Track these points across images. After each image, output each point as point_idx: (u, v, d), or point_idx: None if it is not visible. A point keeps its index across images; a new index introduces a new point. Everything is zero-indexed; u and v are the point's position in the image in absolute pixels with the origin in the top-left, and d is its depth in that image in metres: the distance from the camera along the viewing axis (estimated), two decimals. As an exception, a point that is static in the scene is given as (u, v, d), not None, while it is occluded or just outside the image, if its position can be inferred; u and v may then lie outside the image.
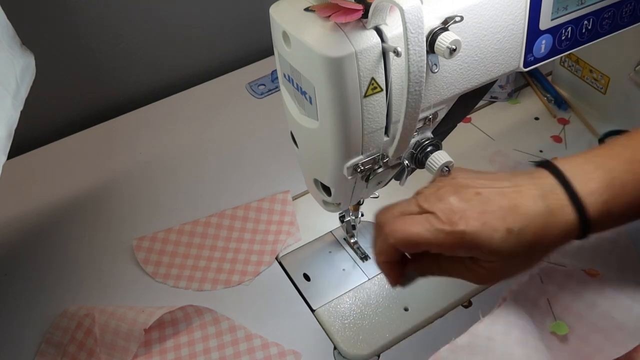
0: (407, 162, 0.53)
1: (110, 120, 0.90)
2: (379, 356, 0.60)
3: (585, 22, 0.56)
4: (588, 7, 0.55)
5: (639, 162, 0.46)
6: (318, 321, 0.63)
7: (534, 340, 0.50)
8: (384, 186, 0.58)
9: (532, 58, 0.54)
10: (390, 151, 0.50)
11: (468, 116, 0.81)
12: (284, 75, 0.50)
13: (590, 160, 0.46)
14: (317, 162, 0.53)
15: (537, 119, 0.83)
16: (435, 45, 0.45)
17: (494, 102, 0.86)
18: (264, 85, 0.93)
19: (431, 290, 0.64)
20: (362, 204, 0.64)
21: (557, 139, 0.79)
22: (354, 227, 0.67)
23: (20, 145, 0.83)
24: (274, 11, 0.47)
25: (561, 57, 0.84)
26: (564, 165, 0.46)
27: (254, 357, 0.60)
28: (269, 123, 0.86)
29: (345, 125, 0.46)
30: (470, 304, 0.64)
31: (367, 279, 0.66)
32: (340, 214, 0.66)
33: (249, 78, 0.94)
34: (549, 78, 0.87)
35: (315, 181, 0.56)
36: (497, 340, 0.49)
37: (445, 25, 0.45)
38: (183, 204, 0.76)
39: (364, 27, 0.43)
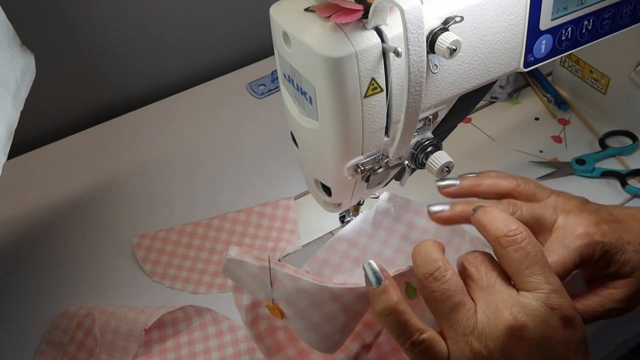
0: (407, 162, 0.53)
1: (110, 121, 0.90)
2: (379, 356, 0.60)
3: (585, 22, 0.56)
4: (588, 8, 0.55)
5: None
6: (318, 321, 0.63)
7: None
8: (384, 186, 0.58)
9: (532, 58, 0.54)
10: (391, 151, 0.50)
11: (468, 116, 0.81)
12: (284, 76, 0.50)
13: None
14: (318, 163, 0.53)
15: (537, 119, 0.83)
16: (436, 46, 0.45)
17: (494, 102, 0.86)
18: (264, 85, 0.93)
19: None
20: (362, 204, 0.63)
21: (557, 139, 0.79)
22: (354, 227, 0.67)
23: (20, 145, 0.83)
24: (274, 11, 0.47)
25: (561, 58, 0.84)
26: None
27: (254, 357, 0.60)
28: (269, 123, 0.86)
29: (346, 125, 0.46)
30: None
31: (367, 279, 0.65)
32: (340, 214, 0.66)
33: (249, 78, 0.94)
34: (549, 78, 0.87)
35: (316, 181, 0.56)
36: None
37: (445, 26, 0.46)
38: (183, 204, 0.76)
39: (364, 28, 0.43)
